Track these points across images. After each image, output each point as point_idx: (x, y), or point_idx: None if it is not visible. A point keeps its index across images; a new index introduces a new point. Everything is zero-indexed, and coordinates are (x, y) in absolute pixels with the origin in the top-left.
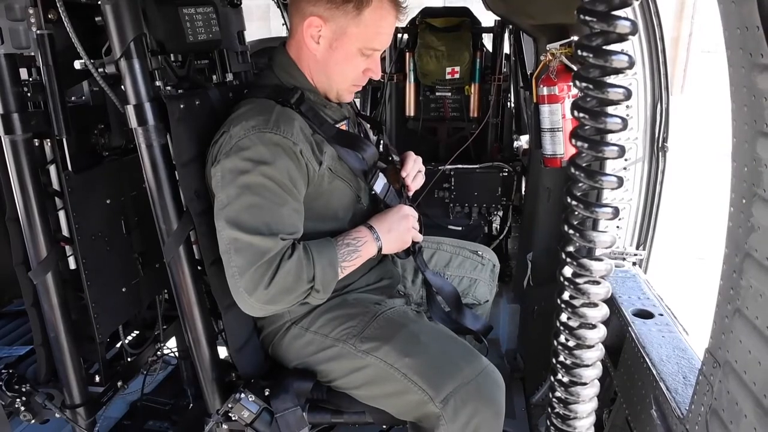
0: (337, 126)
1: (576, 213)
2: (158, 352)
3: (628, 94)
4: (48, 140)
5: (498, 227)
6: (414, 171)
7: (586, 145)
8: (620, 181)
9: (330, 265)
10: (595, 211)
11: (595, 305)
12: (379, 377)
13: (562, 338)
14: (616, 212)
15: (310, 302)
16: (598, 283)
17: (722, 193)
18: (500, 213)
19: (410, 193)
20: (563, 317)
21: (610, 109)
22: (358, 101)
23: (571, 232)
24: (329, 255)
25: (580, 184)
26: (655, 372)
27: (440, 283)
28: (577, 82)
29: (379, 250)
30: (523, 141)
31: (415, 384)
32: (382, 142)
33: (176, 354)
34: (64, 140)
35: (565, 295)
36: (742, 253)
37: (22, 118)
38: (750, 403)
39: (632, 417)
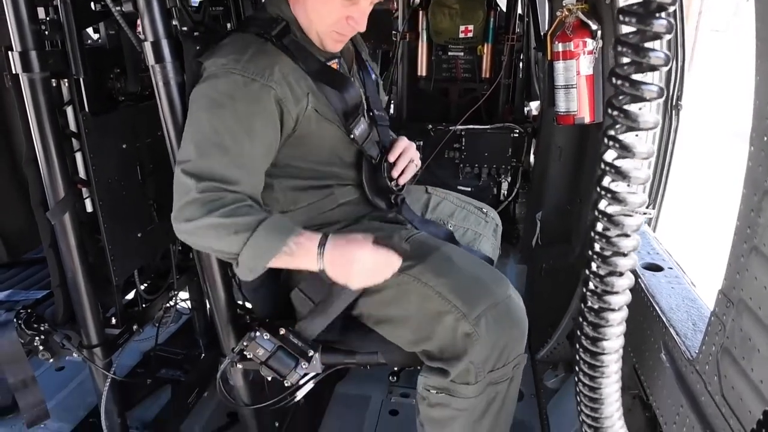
0: (323, 62)
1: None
2: (172, 300)
3: (668, 60)
4: (65, 80)
5: (506, 191)
6: (404, 161)
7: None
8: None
9: (260, 257)
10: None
11: (627, 236)
12: (411, 296)
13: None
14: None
15: (235, 270)
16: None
17: (729, 175)
18: (509, 177)
19: (398, 184)
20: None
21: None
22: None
23: (603, 193)
24: (270, 244)
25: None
26: (664, 319)
27: (434, 230)
28: (619, 48)
29: (320, 256)
30: (533, 107)
31: (450, 302)
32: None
33: (189, 305)
34: (81, 81)
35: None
36: (761, 191)
37: (40, 56)
38: (764, 337)
39: (640, 364)
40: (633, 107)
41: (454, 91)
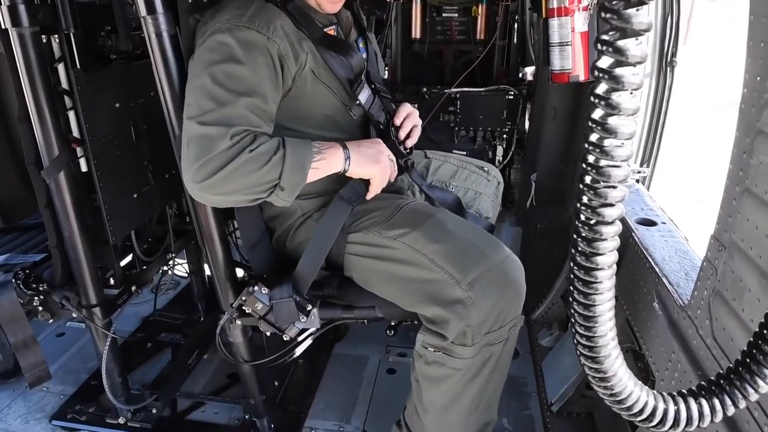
0: (324, 30)
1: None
2: (169, 262)
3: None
4: (56, 36)
5: (501, 155)
6: (409, 123)
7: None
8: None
9: (301, 167)
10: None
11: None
12: (405, 263)
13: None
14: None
15: (272, 201)
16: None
17: (721, 140)
18: (504, 140)
19: (407, 147)
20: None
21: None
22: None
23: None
24: (302, 154)
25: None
26: (657, 269)
27: (440, 195)
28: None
29: (347, 160)
30: (528, 72)
31: (442, 269)
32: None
33: (187, 268)
34: (72, 36)
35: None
36: (753, 132)
37: (29, 10)
38: (755, 277)
39: (633, 315)
40: (618, 69)
41: (449, 53)
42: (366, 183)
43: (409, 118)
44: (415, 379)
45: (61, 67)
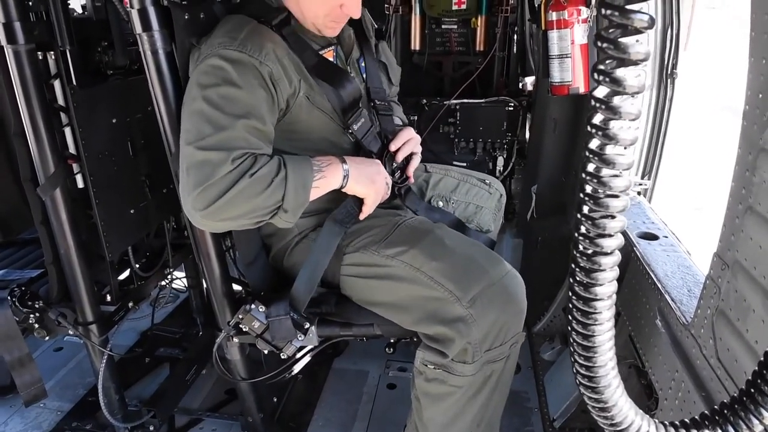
0: (321, 54)
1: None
2: (168, 277)
3: (652, 22)
4: (52, 53)
5: (502, 166)
6: (406, 150)
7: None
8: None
9: (303, 187)
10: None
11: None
12: (404, 282)
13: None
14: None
15: (275, 223)
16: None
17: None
18: (504, 152)
19: (408, 177)
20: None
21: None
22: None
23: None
24: (303, 174)
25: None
26: (660, 286)
27: (439, 216)
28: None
29: (345, 177)
30: (528, 82)
31: (442, 287)
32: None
33: (186, 283)
34: (68, 53)
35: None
36: (756, 150)
37: (25, 27)
38: (759, 297)
39: (635, 332)
40: (618, 72)
41: (448, 64)
42: (359, 202)
43: (408, 144)
44: (415, 396)
45: (57, 84)
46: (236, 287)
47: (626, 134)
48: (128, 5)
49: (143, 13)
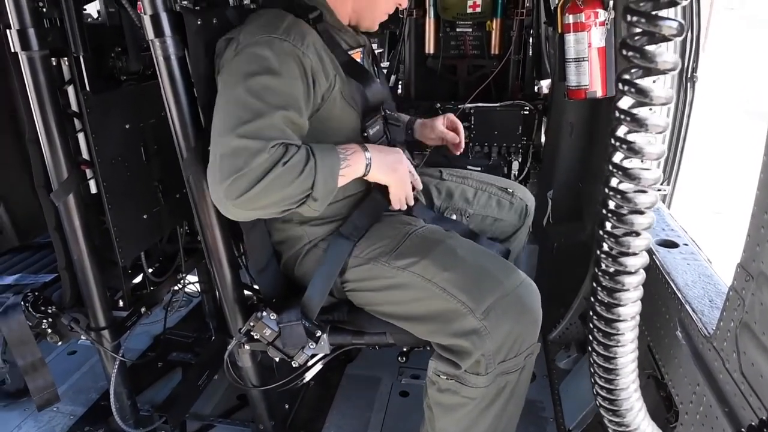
0: (350, 54)
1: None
2: (180, 282)
3: (681, 28)
4: (65, 59)
5: (517, 171)
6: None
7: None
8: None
9: (331, 175)
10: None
11: (642, 213)
12: (415, 294)
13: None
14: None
15: (302, 212)
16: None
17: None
18: (520, 156)
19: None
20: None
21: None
22: (375, 45)
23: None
24: (331, 162)
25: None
26: (680, 296)
27: (450, 225)
28: (629, 17)
29: (368, 165)
30: (544, 85)
31: (455, 298)
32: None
33: (199, 287)
34: (82, 59)
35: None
36: None
37: (38, 33)
38: None
39: (654, 343)
40: (645, 81)
41: (463, 68)
42: (373, 209)
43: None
44: (427, 406)
45: (70, 90)
46: (247, 293)
47: (653, 148)
48: (141, 11)
49: (155, 19)
